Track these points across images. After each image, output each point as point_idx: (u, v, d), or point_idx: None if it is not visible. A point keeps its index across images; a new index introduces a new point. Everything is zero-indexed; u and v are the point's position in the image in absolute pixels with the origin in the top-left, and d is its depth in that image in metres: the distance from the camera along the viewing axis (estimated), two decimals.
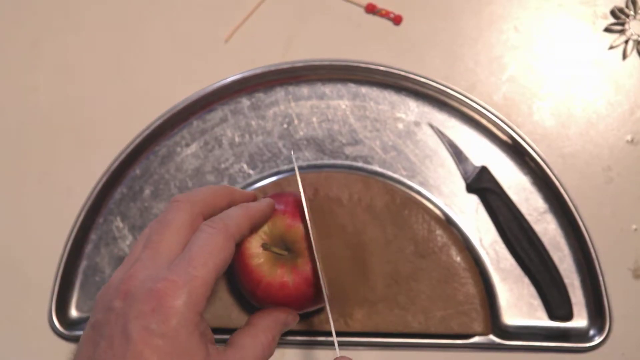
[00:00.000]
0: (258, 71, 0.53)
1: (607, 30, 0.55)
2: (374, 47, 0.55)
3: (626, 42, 0.54)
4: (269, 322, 0.40)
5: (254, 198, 0.43)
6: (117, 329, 0.33)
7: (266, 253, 0.41)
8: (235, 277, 0.43)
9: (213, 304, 0.48)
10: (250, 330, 0.39)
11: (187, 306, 0.33)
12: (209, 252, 0.35)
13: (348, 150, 0.53)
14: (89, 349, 0.34)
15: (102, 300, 0.36)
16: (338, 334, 0.48)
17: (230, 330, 0.40)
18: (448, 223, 0.51)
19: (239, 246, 0.41)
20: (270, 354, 0.39)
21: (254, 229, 0.40)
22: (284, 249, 0.42)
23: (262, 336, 0.39)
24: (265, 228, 0.41)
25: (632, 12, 0.54)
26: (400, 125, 0.53)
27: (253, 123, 0.53)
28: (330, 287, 0.48)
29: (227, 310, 0.48)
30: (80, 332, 0.50)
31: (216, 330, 0.41)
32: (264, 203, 0.41)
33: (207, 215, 0.38)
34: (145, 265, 0.35)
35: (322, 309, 0.48)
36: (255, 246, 0.41)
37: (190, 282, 0.34)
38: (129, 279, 0.35)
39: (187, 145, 0.53)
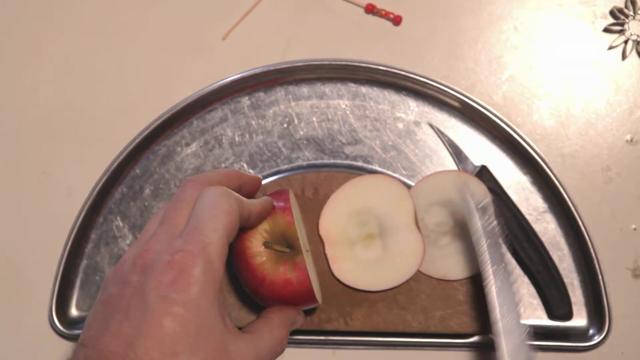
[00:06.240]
0: (258, 71, 0.53)
1: (607, 30, 0.55)
2: (373, 47, 0.55)
3: (625, 42, 0.54)
4: (283, 319, 0.41)
5: (259, 182, 0.44)
6: (134, 300, 0.33)
7: (268, 251, 0.41)
8: (238, 277, 0.43)
9: None
10: (267, 323, 0.40)
11: (206, 274, 0.34)
12: (216, 216, 0.36)
13: (348, 149, 0.53)
14: (100, 323, 0.34)
15: (115, 276, 0.36)
16: (338, 334, 0.49)
17: None
18: None
19: (241, 245, 0.41)
20: (282, 350, 0.40)
21: (252, 222, 0.40)
22: (286, 246, 0.42)
23: (277, 330, 0.40)
24: (266, 226, 0.42)
25: (631, 13, 0.54)
26: (400, 125, 0.53)
27: (253, 122, 0.54)
28: (331, 286, 0.48)
29: (227, 310, 0.48)
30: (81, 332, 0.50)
31: None
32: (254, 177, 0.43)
33: None
34: (161, 239, 0.35)
35: (323, 308, 0.48)
36: (256, 245, 0.41)
37: (204, 249, 0.34)
38: (145, 252, 0.35)
39: (187, 144, 0.53)
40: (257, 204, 0.40)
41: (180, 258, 0.34)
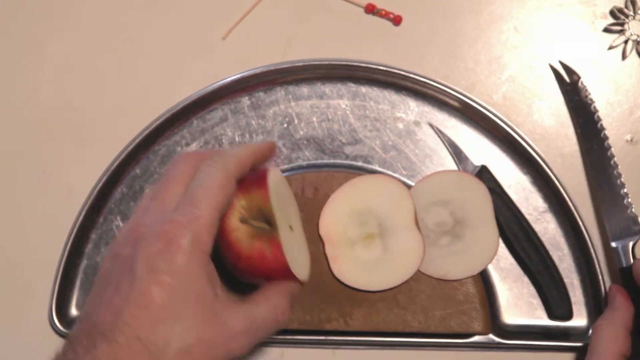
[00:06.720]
0: (258, 70, 0.53)
1: (607, 30, 0.55)
2: (373, 47, 0.55)
3: (625, 42, 0.54)
4: (280, 288, 0.41)
5: (272, 148, 0.46)
6: (124, 272, 0.34)
7: (245, 227, 0.42)
8: (219, 253, 0.44)
9: None
10: (263, 292, 0.41)
11: (193, 245, 0.35)
12: (211, 191, 0.37)
13: (348, 149, 0.53)
14: (95, 299, 0.35)
15: (109, 252, 0.37)
16: (338, 334, 0.49)
17: None
18: None
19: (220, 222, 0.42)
20: (283, 317, 0.40)
21: (254, 166, 0.42)
22: (265, 222, 0.42)
23: (274, 298, 0.40)
24: (243, 202, 0.42)
25: (631, 13, 0.54)
26: (400, 125, 0.53)
27: (253, 122, 0.54)
28: (331, 286, 0.48)
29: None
30: None
31: None
32: (264, 143, 0.44)
33: None
34: (153, 214, 0.36)
35: (323, 308, 0.48)
36: (234, 221, 0.41)
37: (194, 221, 0.35)
38: (137, 226, 0.36)
39: (188, 144, 0.53)
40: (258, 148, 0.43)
41: (170, 228, 0.34)
